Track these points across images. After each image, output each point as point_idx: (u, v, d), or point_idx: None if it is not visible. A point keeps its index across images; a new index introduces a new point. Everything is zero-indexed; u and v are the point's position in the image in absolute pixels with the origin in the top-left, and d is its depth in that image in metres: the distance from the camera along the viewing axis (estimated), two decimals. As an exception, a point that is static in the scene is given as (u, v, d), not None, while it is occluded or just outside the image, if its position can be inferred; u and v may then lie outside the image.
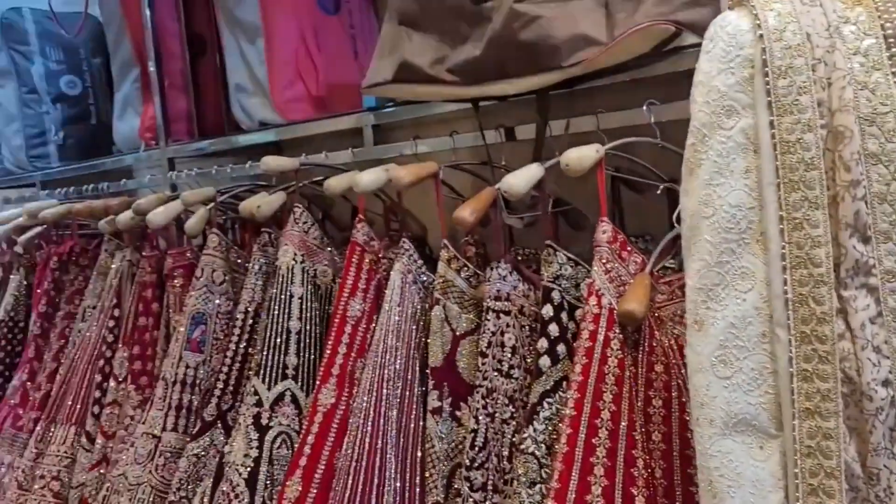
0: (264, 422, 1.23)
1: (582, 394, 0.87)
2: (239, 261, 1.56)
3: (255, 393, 1.24)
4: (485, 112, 1.26)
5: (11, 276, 2.14)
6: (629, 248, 0.97)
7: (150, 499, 1.39)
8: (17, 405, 1.90)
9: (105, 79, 2.41)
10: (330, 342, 1.21)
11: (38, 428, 1.72)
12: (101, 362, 1.69)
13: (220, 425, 1.36)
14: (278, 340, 1.27)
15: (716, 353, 0.65)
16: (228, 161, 1.84)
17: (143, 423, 1.47)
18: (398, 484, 1.09)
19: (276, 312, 1.29)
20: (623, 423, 0.86)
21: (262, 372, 1.25)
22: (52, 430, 1.69)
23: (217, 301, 1.51)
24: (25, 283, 2.12)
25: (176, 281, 1.60)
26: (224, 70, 1.78)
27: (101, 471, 1.61)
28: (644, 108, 1.04)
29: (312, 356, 1.29)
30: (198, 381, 1.47)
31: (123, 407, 1.64)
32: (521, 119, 1.37)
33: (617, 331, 0.90)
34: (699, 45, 0.99)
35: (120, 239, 1.87)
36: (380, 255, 1.27)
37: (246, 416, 1.24)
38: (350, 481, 1.08)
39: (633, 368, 0.90)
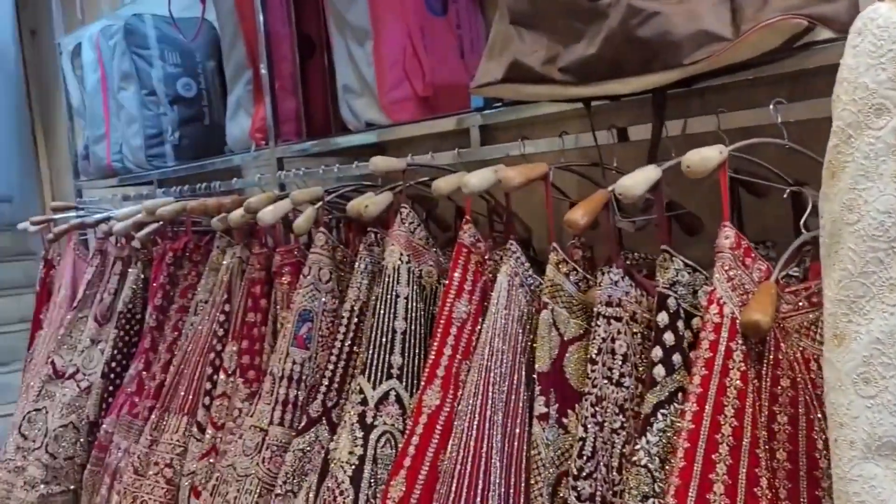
0: (369, 420, 1.24)
1: (701, 407, 0.83)
2: (344, 259, 1.58)
3: (361, 391, 1.25)
4: (595, 112, 1.23)
5: (130, 270, 2.25)
6: (753, 255, 0.93)
7: (257, 490, 1.42)
8: (133, 393, 1.99)
9: (218, 81, 2.50)
10: (435, 343, 1.20)
11: (152, 416, 1.79)
12: (212, 355, 1.75)
13: (324, 422, 1.38)
14: (384, 340, 1.28)
15: (858, 370, 0.60)
16: (335, 161, 1.87)
17: (251, 416, 1.51)
18: (503, 489, 1.07)
19: (382, 312, 1.29)
20: (746, 440, 0.82)
21: (367, 371, 1.26)
22: (166, 418, 1.76)
23: (323, 299, 1.53)
24: (143, 276, 2.22)
25: (284, 278, 1.63)
26: (332, 72, 1.81)
27: (211, 460, 1.66)
28: (770, 107, 0.99)
29: (417, 357, 1.29)
30: (303, 377, 1.50)
31: (232, 399, 1.69)
32: (632, 119, 1.33)
33: (740, 342, 0.85)
34: (831, 40, 0.95)
35: (230, 236, 1.93)
36: (486, 257, 1.26)
37: (351, 414, 1.25)
38: (454, 484, 1.07)
39: (757, 382, 0.86)
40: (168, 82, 2.48)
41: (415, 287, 1.32)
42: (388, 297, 1.30)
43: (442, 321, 1.21)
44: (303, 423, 1.38)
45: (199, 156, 2.44)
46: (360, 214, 1.40)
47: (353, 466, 1.21)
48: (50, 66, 3.79)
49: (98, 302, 2.30)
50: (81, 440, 2.17)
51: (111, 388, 2.16)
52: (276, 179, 1.94)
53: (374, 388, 1.25)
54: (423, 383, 1.19)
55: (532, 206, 1.60)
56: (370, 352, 1.27)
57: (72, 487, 2.17)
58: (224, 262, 1.85)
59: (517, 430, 1.11)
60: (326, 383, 1.40)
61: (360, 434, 1.23)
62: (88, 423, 2.16)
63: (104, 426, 2.06)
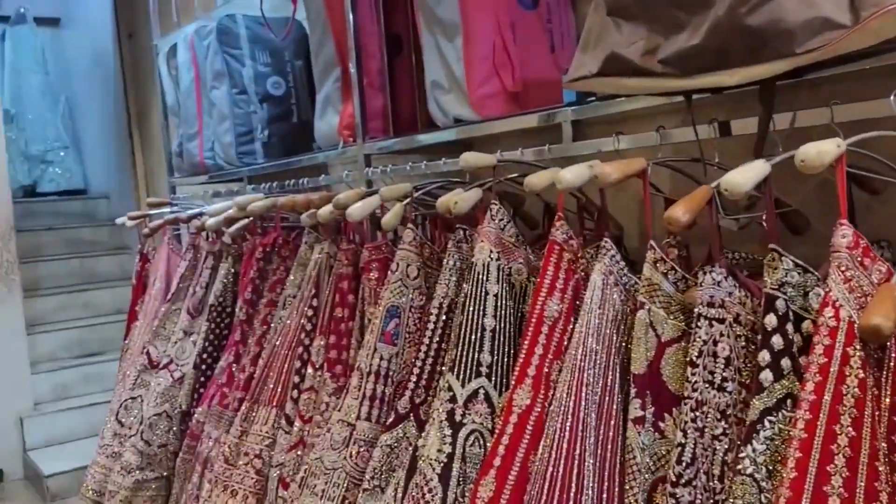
0: (458, 418, 1.23)
1: (815, 415, 0.78)
2: (432, 256, 1.58)
3: (450, 389, 1.25)
4: (694, 106, 1.19)
5: (221, 265, 2.31)
6: (872, 255, 0.87)
7: (345, 484, 1.43)
8: (223, 385, 2.04)
9: (306, 80, 2.54)
10: (526, 342, 1.18)
11: (242, 407, 1.83)
12: (300, 349, 1.78)
13: (412, 418, 1.38)
14: (473, 338, 1.26)
15: None
16: (421, 157, 1.87)
17: (339, 410, 1.52)
18: (595, 493, 1.04)
19: (472, 309, 1.28)
20: (864, 451, 0.77)
21: (456, 368, 1.25)
22: (256, 410, 1.80)
23: (411, 295, 1.53)
24: (233, 271, 2.28)
25: (371, 274, 1.64)
26: (420, 68, 1.81)
27: (299, 453, 1.69)
28: (892, 98, 0.92)
29: (506, 355, 1.27)
30: (391, 373, 1.50)
31: (319, 393, 1.71)
32: (730, 113, 1.28)
33: (858, 347, 0.80)
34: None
35: (318, 232, 1.96)
36: (578, 255, 1.23)
37: (440, 412, 1.24)
38: (546, 486, 1.04)
39: (876, 390, 0.81)
40: (258, 81, 2.53)
41: (504, 285, 1.30)
42: (478, 294, 1.29)
43: (533, 320, 1.19)
44: (390, 420, 1.38)
45: (288, 153, 2.48)
46: (449, 211, 1.39)
47: (442, 464, 1.20)
48: (146, 68, 3.94)
49: (190, 295, 2.37)
50: (174, 428, 2.24)
51: (202, 378, 2.22)
52: (363, 176, 1.96)
53: (462, 385, 1.24)
54: (513, 382, 1.17)
55: (621, 203, 1.57)
56: (459, 349, 1.26)
57: (164, 474, 2.24)
58: (312, 258, 1.87)
59: (611, 434, 1.08)
60: (414, 380, 1.40)
61: (448, 432, 1.22)
62: (181, 412, 2.23)
63: (196, 416, 2.12)
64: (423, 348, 1.41)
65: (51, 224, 4.74)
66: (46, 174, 5.22)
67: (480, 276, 1.30)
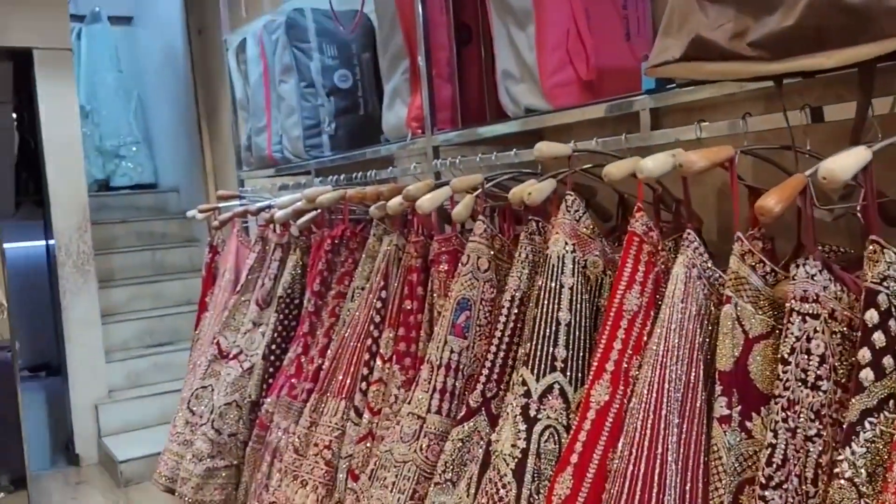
0: (532, 413, 1.20)
1: (925, 417, 0.73)
2: (503, 249, 1.55)
3: (524, 383, 1.22)
4: (784, 91, 1.13)
5: (289, 256, 2.33)
6: None
7: (415, 477, 1.42)
8: (292, 375, 2.06)
9: (373, 72, 2.54)
10: (604, 337, 1.15)
11: (311, 398, 1.84)
12: (369, 341, 1.77)
13: (483, 412, 1.36)
14: (547, 332, 1.24)
15: None
16: (491, 149, 1.85)
17: (409, 402, 1.52)
18: (678, 494, 1.01)
19: (546, 303, 1.25)
20: (980, 457, 0.72)
21: (530, 363, 1.23)
22: (325, 401, 1.80)
23: (481, 288, 1.51)
24: (301, 262, 2.30)
25: (441, 266, 1.63)
26: (490, 58, 1.79)
27: (368, 444, 1.69)
28: None
29: (582, 350, 1.24)
30: (461, 367, 1.48)
31: (388, 385, 1.71)
32: (819, 98, 1.22)
33: (972, 345, 0.75)
34: None
35: (387, 224, 1.95)
36: (658, 247, 1.19)
37: (514, 406, 1.22)
38: (627, 485, 1.01)
39: None
40: (326, 74, 2.55)
41: (580, 278, 1.27)
42: (552, 287, 1.26)
43: (612, 314, 1.15)
44: (462, 413, 1.37)
45: (355, 145, 2.49)
46: (522, 202, 1.37)
47: (516, 460, 1.18)
48: (215, 63, 4.01)
49: (259, 287, 2.40)
50: (244, 418, 2.27)
51: (271, 369, 2.25)
52: (431, 168, 1.94)
53: (537, 380, 1.22)
54: (590, 377, 1.14)
55: (698, 195, 1.51)
56: (533, 343, 1.24)
57: (234, 462, 2.27)
58: (381, 250, 1.87)
59: (694, 432, 1.04)
60: (486, 373, 1.38)
61: (523, 427, 1.20)
62: (250, 401, 2.26)
63: (265, 406, 2.15)
64: (495, 342, 1.39)
65: (124, 217, 4.88)
66: (119, 169, 5.38)
67: (555, 269, 1.27)
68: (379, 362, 1.73)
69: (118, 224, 4.79)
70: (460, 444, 1.35)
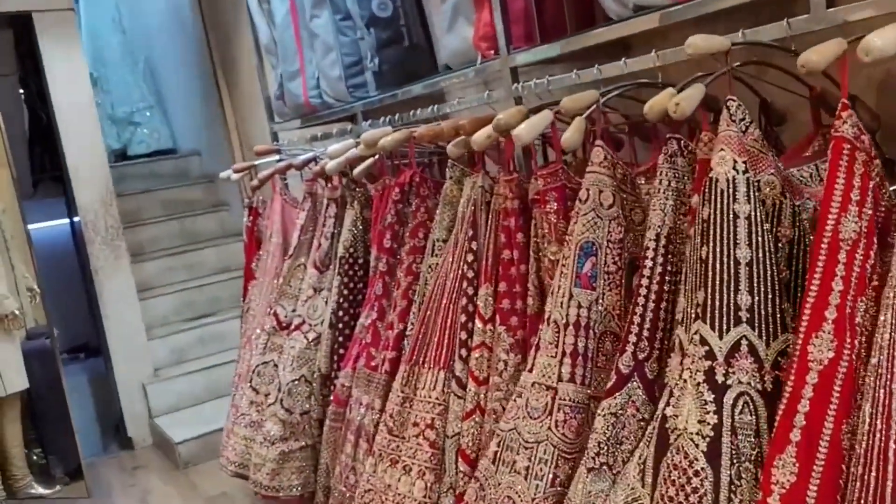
0: (720, 379, 0.96)
1: None
2: (625, 178, 1.29)
3: (702, 342, 0.97)
4: None
5: (347, 212, 2.08)
6: None
7: (553, 459, 1.19)
8: (368, 344, 1.83)
9: (414, -4, 2.24)
10: (817, 276, 0.89)
11: (401, 370, 1.61)
12: (464, 300, 1.53)
13: (636, 378, 1.12)
14: (725, 275, 0.98)
15: None
16: (573, 65, 1.57)
17: (531, 371, 1.28)
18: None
19: (719, 239, 1.00)
20: None
21: (709, 315, 0.98)
22: (417, 373, 1.57)
23: (607, 228, 1.26)
24: (362, 217, 2.05)
25: (549, 206, 1.37)
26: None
27: (476, 420, 1.46)
28: None
29: (768, 294, 0.98)
30: (592, 323, 1.24)
31: (494, 350, 1.47)
32: None
33: None
34: None
35: (461, 164, 1.69)
36: (872, 155, 0.92)
37: (693, 372, 0.97)
38: (890, 470, 0.77)
39: None
40: (362, 3, 2.24)
41: (756, 204, 1.01)
42: (724, 219, 1.00)
43: (824, 245, 0.90)
44: (612, 382, 1.13)
45: (403, 81, 2.20)
46: (664, 116, 1.10)
47: (708, 439, 0.94)
48: (226, 10, 3.70)
49: (315, 248, 2.16)
50: (315, 394, 2.05)
51: (341, 338, 2.02)
52: (511, 94, 1.66)
53: (720, 336, 0.97)
54: (803, 330, 0.89)
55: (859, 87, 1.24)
56: (709, 291, 0.98)
57: (310, 443, 2.06)
58: (464, 194, 1.61)
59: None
60: (635, 330, 1.13)
61: (710, 397, 0.95)
62: (321, 375, 2.04)
63: (340, 380, 1.93)
64: (643, 290, 1.14)
65: (146, 187, 4.63)
66: (135, 136, 5.11)
67: (725, 195, 1.00)
68: (479, 324, 1.49)
69: (141, 195, 4.55)
70: (613, 418, 1.11)
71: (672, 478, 0.94)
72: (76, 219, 3.75)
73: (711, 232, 1.00)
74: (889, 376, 0.79)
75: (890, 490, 0.76)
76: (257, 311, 2.45)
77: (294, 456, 2.05)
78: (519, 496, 1.20)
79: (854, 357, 0.85)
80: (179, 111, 5.07)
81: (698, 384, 0.96)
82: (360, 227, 2.05)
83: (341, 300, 2.03)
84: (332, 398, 1.97)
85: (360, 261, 2.05)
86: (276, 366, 2.18)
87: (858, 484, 0.78)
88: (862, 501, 0.77)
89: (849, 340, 0.86)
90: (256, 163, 2.67)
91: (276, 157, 2.63)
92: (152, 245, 4.32)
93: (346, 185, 2.11)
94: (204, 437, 3.29)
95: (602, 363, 1.25)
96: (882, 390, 0.79)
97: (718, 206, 1.00)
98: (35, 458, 3.27)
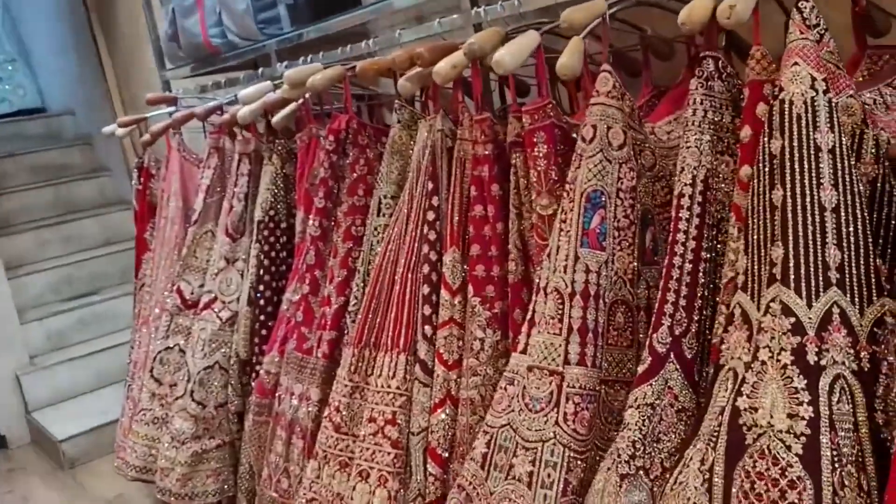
0: (812, 359, 0.74)
1: None
2: (633, 113, 1.06)
3: (787, 312, 0.75)
4: None
5: (264, 168, 1.76)
6: None
7: (564, 462, 0.96)
8: (299, 323, 1.53)
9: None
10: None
11: (347, 354, 1.33)
12: (426, 268, 1.27)
13: (673, 358, 0.89)
14: (810, 225, 0.76)
15: None
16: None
17: (524, 352, 1.03)
18: None
19: (798, 178, 0.77)
20: None
21: (793, 276, 0.75)
22: (370, 357, 1.30)
23: (617, 173, 1.02)
24: (283, 174, 1.74)
25: (537, 150, 1.12)
26: None
27: (447, 411, 1.20)
28: None
29: (860, 247, 0.77)
30: (602, 292, 1.00)
31: (467, 327, 1.22)
32: None
33: None
34: None
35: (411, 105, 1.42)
36: None
37: (776, 352, 0.75)
38: None
39: None
40: (273, -78, 1.91)
41: (840, 133, 0.79)
42: (803, 152, 0.78)
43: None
44: (646, 365, 0.89)
45: (324, 14, 1.89)
46: (716, 25, 0.87)
47: (804, 439, 0.72)
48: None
49: (226, 212, 1.83)
50: (233, 383, 1.74)
51: (262, 317, 1.71)
52: (470, 19, 1.39)
53: (809, 304, 0.75)
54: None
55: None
56: (790, 245, 0.76)
57: (227, 440, 1.76)
58: (419, 141, 1.34)
59: None
60: (672, 299, 0.90)
61: (801, 383, 0.73)
62: (239, 361, 1.74)
63: (264, 366, 1.62)
64: (678, 248, 0.91)
65: (11, 150, 4.07)
66: (-4, 93, 4.51)
67: (803, 122, 0.78)
68: (446, 295, 1.23)
69: (5, 159, 3.99)
70: (650, 410, 0.88)
71: (757, 490, 0.72)
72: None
73: (788, 169, 0.78)
74: None
75: None
76: (155, 287, 2.10)
77: (209, 456, 1.74)
78: (523, 510, 0.96)
79: None
80: (47, 65, 4.49)
81: (784, 367, 0.74)
82: (281, 186, 1.74)
83: (261, 272, 1.72)
84: (254, 388, 1.66)
85: (283, 225, 1.74)
86: (182, 351, 1.85)
87: None
88: None
89: None
90: (147, 115, 2.28)
91: (172, 108, 2.25)
92: (22, 216, 3.80)
93: (263, 136, 1.79)
94: (92, 431, 2.89)
95: (613, 339, 1.03)
96: None
97: (795, 135, 0.78)
98: None
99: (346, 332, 1.45)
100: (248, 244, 1.79)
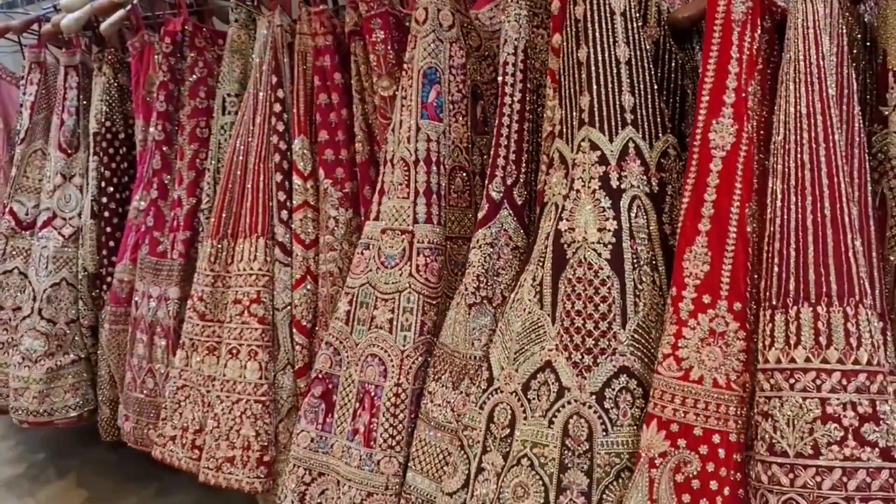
0: (614, 183, 0.91)
1: None
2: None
3: (594, 147, 0.91)
4: None
5: (95, 80, 1.73)
6: None
7: (419, 307, 1.09)
8: (151, 228, 1.56)
9: None
10: (712, 59, 0.86)
11: (206, 247, 1.39)
12: (277, 157, 1.34)
13: (507, 205, 1.04)
14: (609, 76, 0.92)
15: None
16: None
17: (377, 218, 1.15)
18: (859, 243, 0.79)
19: (597, 37, 0.93)
20: None
21: (597, 119, 0.91)
22: (228, 246, 1.37)
23: (448, 52, 1.14)
24: (116, 84, 1.71)
25: (375, 35, 1.21)
26: None
27: (308, 287, 1.31)
28: None
29: (647, 93, 0.94)
30: (442, 158, 1.13)
31: (321, 207, 1.31)
32: None
33: None
34: None
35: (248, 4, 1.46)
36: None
37: (587, 181, 0.91)
38: (811, 239, 0.77)
39: None
40: None
41: (629, 0, 0.95)
42: (600, 15, 0.93)
43: (717, 27, 0.86)
44: (484, 211, 1.04)
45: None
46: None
47: (610, 246, 0.89)
48: None
49: (57, 127, 1.78)
50: (83, 297, 1.74)
51: (108, 229, 1.71)
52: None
53: (610, 139, 0.91)
54: (703, 116, 0.86)
55: None
56: (594, 93, 0.92)
57: (82, 355, 1.76)
58: (258, 38, 1.38)
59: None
60: (503, 153, 1.04)
61: (607, 203, 0.90)
62: (88, 276, 1.73)
63: (116, 275, 1.64)
64: (506, 110, 1.05)
65: None
66: None
67: (598, -6, 0.93)
68: (298, 181, 1.32)
69: None
70: (490, 249, 1.03)
71: (577, 291, 0.89)
72: None
73: (589, 31, 0.93)
74: (797, 148, 0.79)
75: (812, 257, 0.76)
76: (-19, 214, 2.01)
77: (66, 372, 1.74)
78: (386, 352, 1.09)
79: (748, 140, 0.84)
80: None
81: (594, 191, 0.90)
82: (116, 96, 1.72)
83: (103, 184, 1.71)
84: (108, 298, 1.68)
85: (121, 135, 1.73)
86: (22, 273, 1.81)
87: (777, 259, 0.78)
88: (784, 275, 0.77)
89: (746, 125, 0.85)
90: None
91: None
92: None
93: (89, 47, 1.75)
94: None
95: (454, 200, 1.16)
96: (792, 163, 0.79)
97: (595, 2, 0.93)
98: None
99: (199, 230, 1.50)
100: (84, 158, 1.76)
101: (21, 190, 1.84)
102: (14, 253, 1.83)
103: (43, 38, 1.81)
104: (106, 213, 1.71)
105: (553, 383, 0.89)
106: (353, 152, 1.29)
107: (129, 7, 1.59)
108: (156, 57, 1.56)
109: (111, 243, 1.71)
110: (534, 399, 0.90)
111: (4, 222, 1.84)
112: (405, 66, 1.14)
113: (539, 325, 0.92)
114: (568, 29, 0.96)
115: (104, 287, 1.71)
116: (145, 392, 1.55)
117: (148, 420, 1.54)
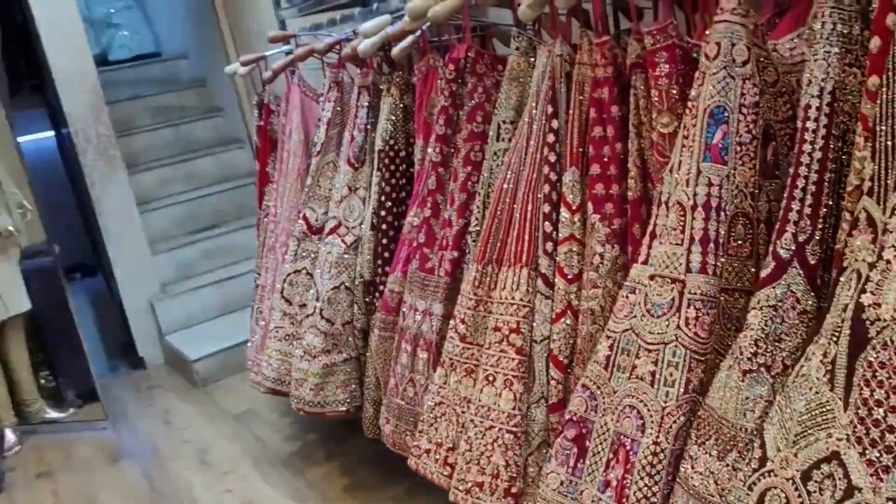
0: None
1: None
2: (756, 31, 1.08)
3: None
4: None
5: (383, 100, 1.85)
6: None
7: (686, 362, 1.02)
8: (421, 244, 1.64)
9: None
10: None
11: (472, 271, 1.42)
12: (546, 188, 1.33)
13: (797, 264, 0.94)
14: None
15: None
16: None
17: (646, 263, 1.09)
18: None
19: (929, 84, 0.80)
20: None
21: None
22: (493, 273, 1.39)
23: (740, 89, 1.05)
24: (402, 105, 1.82)
25: (659, 69, 1.16)
26: None
27: (568, 321, 1.29)
28: None
29: None
30: (723, 204, 1.05)
31: (587, 242, 1.29)
32: None
33: None
34: None
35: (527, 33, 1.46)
36: None
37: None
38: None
39: None
40: None
41: (974, 39, 0.80)
42: (935, 58, 0.80)
43: None
44: (769, 270, 0.94)
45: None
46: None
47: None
48: None
49: (348, 143, 1.94)
50: (357, 302, 1.88)
51: (385, 240, 1.83)
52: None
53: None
54: None
55: None
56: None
57: (353, 355, 1.90)
58: (537, 67, 1.39)
59: None
60: (797, 207, 0.94)
61: (927, 281, 0.77)
62: (363, 282, 1.86)
63: (388, 285, 1.74)
64: (804, 159, 0.94)
65: (133, 93, 4.32)
66: (115, 40, 4.76)
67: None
68: (566, 214, 1.30)
69: (128, 102, 4.24)
70: (772, 312, 0.94)
71: (879, 378, 0.77)
72: (63, 130, 3.47)
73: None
74: None
75: None
76: (281, 215, 2.25)
77: (338, 369, 1.89)
78: (646, 406, 1.04)
79: None
80: (161, 10, 4.70)
81: (910, 267, 0.78)
82: (400, 116, 1.83)
83: (383, 198, 1.83)
84: (378, 306, 1.79)
85: (402, 154, 1.84)
86: (309, 274, 1.99)
87: None
88: None
89: None
90: (267, 54, 2.40)
91: (287, 46, 2.36)
92: (147, 155, 4.05)
93: (381, 69, 1.87)
94: (220, 353, 3.14)
95: (734, 250, 1.07)
96: None
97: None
98: (43, 381, 3.11)
99: (466, 251, 1.54)
100: (368, 173, 1.89)
101: (314, 198, 2.02)
102: (304, 255, 2.02)
103: (342, 60, 1.96)
104: (384, 226, 1.82)
105: (841, 479, 0.78)
106: (625, 188, 1.25)
107: (418, 33, 1.67)
108: (438, 82, 1.62)
109: (386, 254, 1.82)
110: (815, 492, 0.80)
111: (298, 226, 2.03)
112: (689, 102, 1.07)
113: (827, 408, 0.82)
114: (890, 73, 0.84)
115: (376, 294, 1.83)
116: (406, 399, 1.63)
117: (406, 426, 1.63)
